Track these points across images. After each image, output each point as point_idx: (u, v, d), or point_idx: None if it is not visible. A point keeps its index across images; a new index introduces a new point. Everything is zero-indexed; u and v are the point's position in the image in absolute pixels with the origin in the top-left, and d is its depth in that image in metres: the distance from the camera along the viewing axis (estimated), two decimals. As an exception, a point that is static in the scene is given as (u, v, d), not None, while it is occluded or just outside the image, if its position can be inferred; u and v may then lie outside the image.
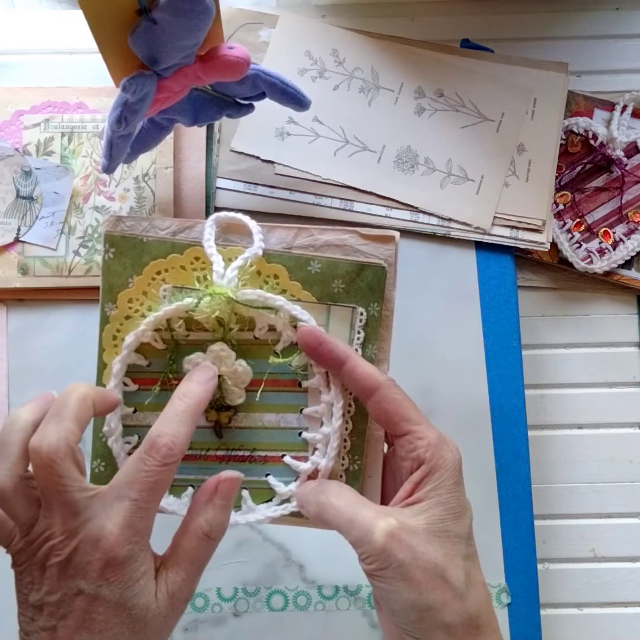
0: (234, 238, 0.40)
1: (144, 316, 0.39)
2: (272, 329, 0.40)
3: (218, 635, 0.52)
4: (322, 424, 0.40)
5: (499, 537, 0.53)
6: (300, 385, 0.40)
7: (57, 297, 0.56)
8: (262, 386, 0.40)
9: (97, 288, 0.53)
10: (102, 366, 0.40)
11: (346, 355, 0.38)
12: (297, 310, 0.39)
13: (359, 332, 0.39)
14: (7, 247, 0.55)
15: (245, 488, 0.40)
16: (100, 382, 0.40)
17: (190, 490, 0.40)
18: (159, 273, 0.39)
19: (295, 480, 0.40)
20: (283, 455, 0.40)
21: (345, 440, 0.40)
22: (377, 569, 0.34)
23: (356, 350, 0.39)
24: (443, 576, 0.34)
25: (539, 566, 0.54)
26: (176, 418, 0.35)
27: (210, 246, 0.39)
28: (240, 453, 0.40)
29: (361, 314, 0.39)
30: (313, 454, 0.40)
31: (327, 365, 0.39)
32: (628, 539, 0.56)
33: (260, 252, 0.39)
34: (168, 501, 0.39)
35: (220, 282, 0.38)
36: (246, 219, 0.40)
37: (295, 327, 0.39)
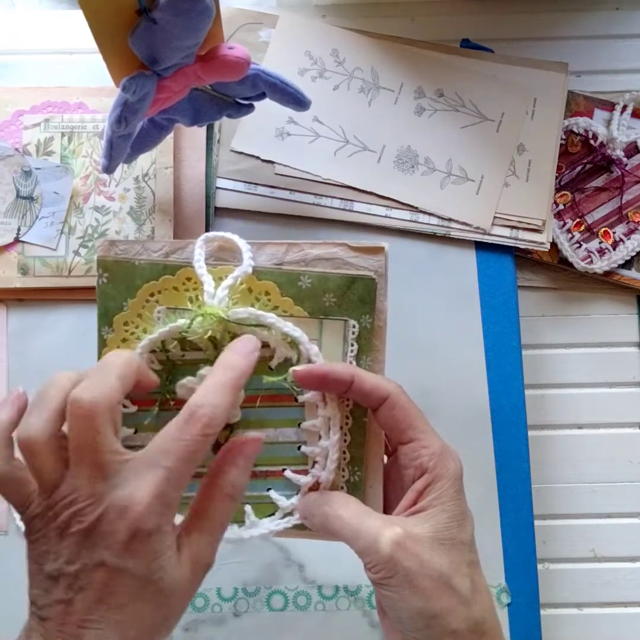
0: (225, 256, 0.40)
1: (139, 339, 0.40)
2: (266, 345, 0.40)
3: (218, 635, 0.52)
4: (320, 437, 0.40)
5: (499, 537, 0.53)
6: (296, 400, 0.40)
7: (57, 297, 0.56)
8: (258, 402, 0.40)
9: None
10: None
11: (350, 375, 0.38)
12: (288, 326, 0.39)
13: (352, 345, 0.40)
14: (7, 247, 0.55)
15: (248, 503, 0.40)
16: None
17: None
18: (152, 295, 0.40)
19: (296, 494, 0.40)
20: (283, 469, 0.40)
21: (344, 453, 0.40)
22: (383, 578, 0.34)
23: (350, 362, 0.39)
24: (449, 583, 0.34)
25: (539, 566, 0.54)
26: (219, 389, 0.34)
27: (200, 267, 0.39)
28: None
29: (353, 326, 0.39)
30: (313, 467, 0.40)
31: (336, 392, 0.39)
32: (628, 539, 0.56)
33: (250, 270, 0.39)
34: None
35: (212, 302, 0.39)
36: (235, 237, 0.40)
37: (289, 343, 0.39)
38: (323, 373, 0.38)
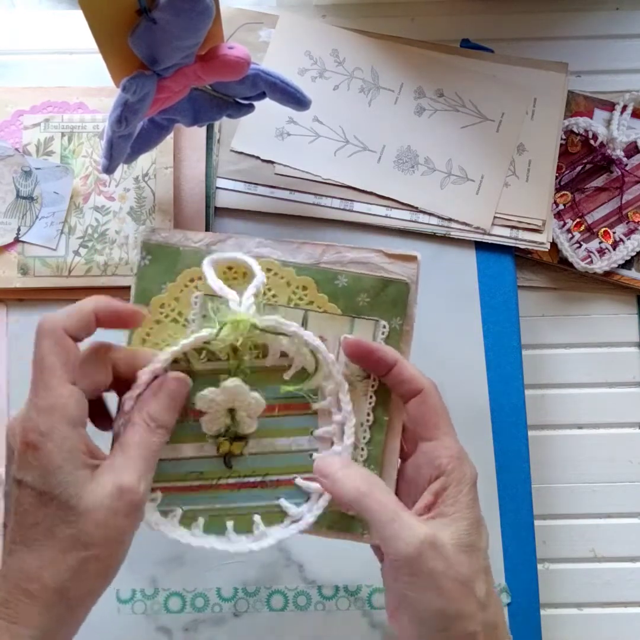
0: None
1: (175, 321, 0.40)
2: (284, 355, 0.40)
3: (218, 635, 0.52)
4: (332, 443, 0.40)
5: (499, 537, 0.53)
6: (310, 407, 0.41)
7: (57, 297, 0.56)
8: (275, 412, 0.40)
9: (98, 288, 0.54)
10: None
11: (394, 359, 0.39)
12: (308, 336, 0.40)
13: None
14: (7, 247, 0.55)
15: (257, 513, 0.40)
16: None
17: (200, 520, 0.40)
18: (192, 280, 0.41)
19: (306, 501, 0.40)
20: (294, 478, 0.40)
21: (362, 450, 0.41)
22: (407, 575, 0.35)
23: None
24: (470, 587, 0.35)
25: (539, 566, 0.54)
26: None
27: (215, 283, 0.39)
28: (252, 479, 0.40)
29: (384, 326, 0.41)
30: None
31: (374, 370, 0.40)
32: (628, 539, 0.56)
33: (265, 280, 0.40)
34: (179, 533, 0.39)
35: (239, 309, 0.38)
36: (239, 255, 0.40)
37: (312, 352, 0.40)
38: (371, 348, 0.39)
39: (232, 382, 0.39)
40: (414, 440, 0.40)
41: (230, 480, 0.40)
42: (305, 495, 0.40)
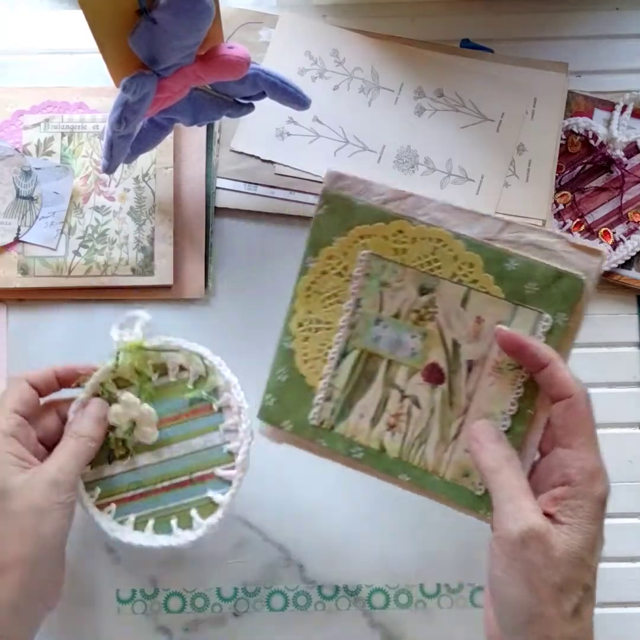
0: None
1: (340, 274, 0.42)
2: (183, 368, 0.47)
3: (218, 635, 0.52)
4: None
5: (499, 537, 0.53)
6: (213, 407, 0.46)
7: (57, 297, 0.56)
8: (183, 418, 0.46)
9: (97, 288, 0.54)
10: (292, 312, 0.43)
11: (548, 359, 0.38)
12: (193, 346, 0.45)
13: (539, 338, 0.39)
14: (7, 247, 0.55)
15: (193, 508, 0.46)
16: (287, 326, 0.43)
17: (150, 523, 0.46)
18: (362, 237, 0.41)
19: (229, 485, 0.45)
20: (214, 470, 0.46)
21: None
22: (503, 555, 0.35)
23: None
24: (558, 597, 0.35)
25: (539, 566, 0.54)
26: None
27: (117, 334, 0.46)
28: (181, 479, 0.46)
29: (546, 320, 0.39)
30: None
31: (526, 365, 0.39)
32: (628, 539, 0.56)
33: (148, 320, 0.46)
34: (133, 536, 0.45)
35: (129, 338, 0.46)
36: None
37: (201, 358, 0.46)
38: (524, 344, 0.39)
39: (125, 396, 0.45)
40: (552, 442, 0.39)
41: (165, 484, 0.46)
42: (227, 483, 0.45)
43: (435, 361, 0.41)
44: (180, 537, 0.45)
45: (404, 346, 0.41)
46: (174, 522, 0.46)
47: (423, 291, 0.41)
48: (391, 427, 0.41)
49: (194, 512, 0.46)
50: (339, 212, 0.41)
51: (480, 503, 0.40)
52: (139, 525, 0.46)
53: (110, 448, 0.46)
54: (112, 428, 0.46)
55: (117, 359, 0.45)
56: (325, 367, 0.42)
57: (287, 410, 0.42)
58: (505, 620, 0.36)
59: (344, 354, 0.42)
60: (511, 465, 0.38)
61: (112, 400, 0.46)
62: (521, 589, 0.35)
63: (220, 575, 0.53)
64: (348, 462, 0.42)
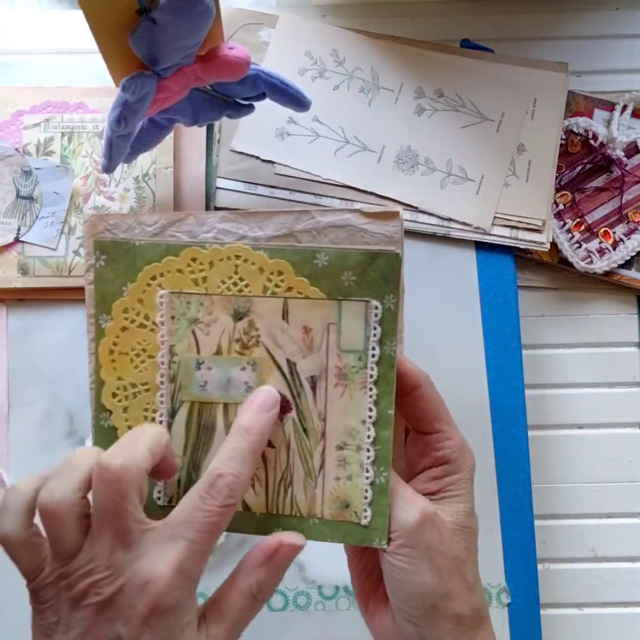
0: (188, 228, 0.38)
1: (141, 326, 0.37)
2: None
3: (218, 635, 0.52)
4: None
5: (499, 537, 0.53)
6: None
7: (57, 297, 0.56)
8: None
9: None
10: (100, 384, 0.38)
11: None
12: None
13: (374, 328, 0.36)
14: (7, 247, 0.55)
15: None
16: (99, 402, 0.38)
17: None
18: (154, 278, 0.37)
19: None
20: None
21: (367, 451, 0.36)
22: (402, 546, 0.35)
23: (373, 348, 0.36)
24: (461, 568, 0.35)
25: (539, 566, 0.54)
26: (239, 456, 0.33)
27: None
28: None
29: (376, 307, 0.36)
30: None
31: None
32: (628, 539, 0.56)
33: None
34: None
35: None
36: None
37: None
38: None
39: None
40: (406, 429, 0.39)
41: None
42: None
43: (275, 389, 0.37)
44: None
45: (236, 383, 0.37)
46: None
47: (238, 316, 0.37)
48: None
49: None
50: (121, 259, 0.37)
51: (371, 533, 0.36)
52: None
53: None
54: None
55: None
56: None
57: None
58: (411, 609, 0.35)
59: (172, 414, 0.37)
60: None
61: None
62: (426, 573, 0.34)
63: (220, 575, 0.53)
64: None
